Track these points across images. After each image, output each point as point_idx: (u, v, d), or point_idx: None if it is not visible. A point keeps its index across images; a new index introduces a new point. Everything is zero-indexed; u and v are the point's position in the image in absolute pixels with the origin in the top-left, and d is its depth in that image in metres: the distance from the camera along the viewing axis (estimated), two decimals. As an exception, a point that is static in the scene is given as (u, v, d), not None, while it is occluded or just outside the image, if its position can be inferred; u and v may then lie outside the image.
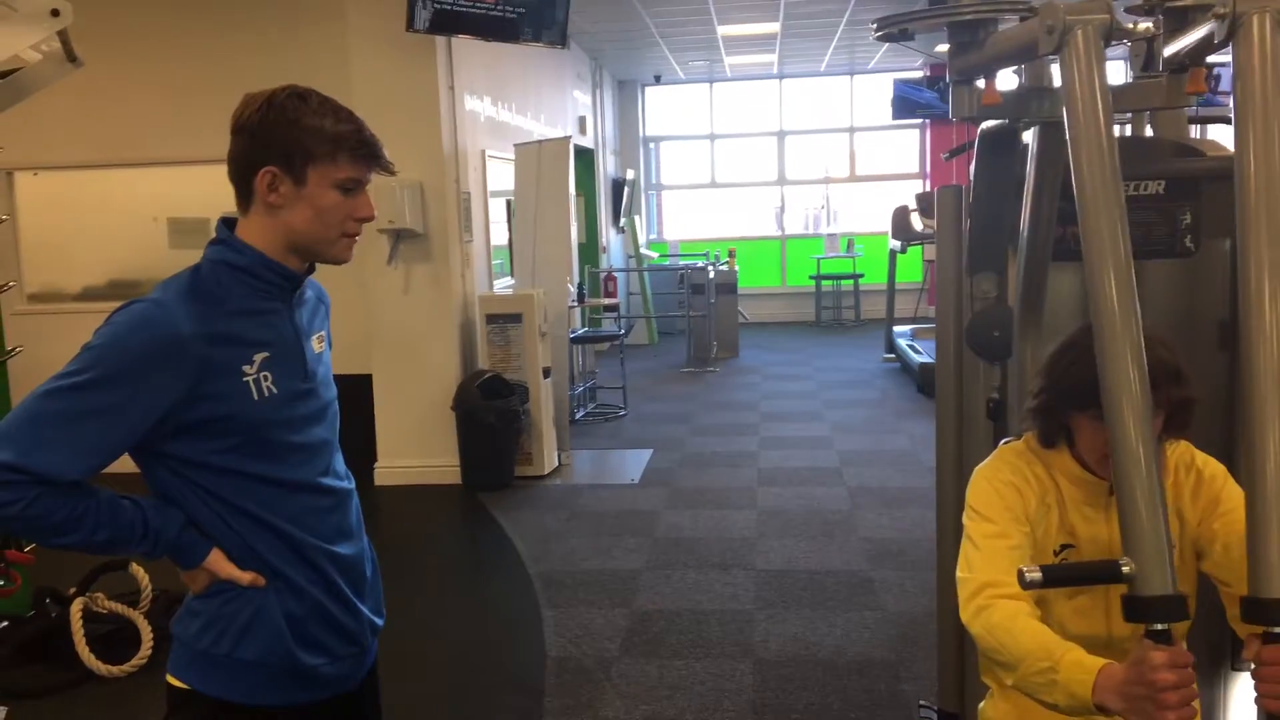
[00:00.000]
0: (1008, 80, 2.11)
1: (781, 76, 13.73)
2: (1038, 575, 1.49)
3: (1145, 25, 2.29)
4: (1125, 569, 1.39)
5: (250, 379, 1.62)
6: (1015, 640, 1.60)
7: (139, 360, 1.53)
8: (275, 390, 1.65)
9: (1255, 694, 1.44)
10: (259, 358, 1.63)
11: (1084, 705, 1.49)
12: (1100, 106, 1.47)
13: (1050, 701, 1.55)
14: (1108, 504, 1.80)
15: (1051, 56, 1.59)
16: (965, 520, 1.84)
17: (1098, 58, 1.46)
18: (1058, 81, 1.96)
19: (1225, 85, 1.59)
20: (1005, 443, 1.97)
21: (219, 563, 1.65)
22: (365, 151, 1.65)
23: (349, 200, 1.66)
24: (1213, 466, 1.86)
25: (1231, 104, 1.49)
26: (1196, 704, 1.39)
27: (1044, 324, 2.24)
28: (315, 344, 1.78)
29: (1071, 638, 1.79)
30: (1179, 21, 1.75)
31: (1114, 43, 1.56)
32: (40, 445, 1.50)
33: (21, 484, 1.49)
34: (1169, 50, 1.75)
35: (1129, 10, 1.87)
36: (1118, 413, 1.40)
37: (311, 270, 1.75)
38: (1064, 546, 1.83)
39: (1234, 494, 1.82)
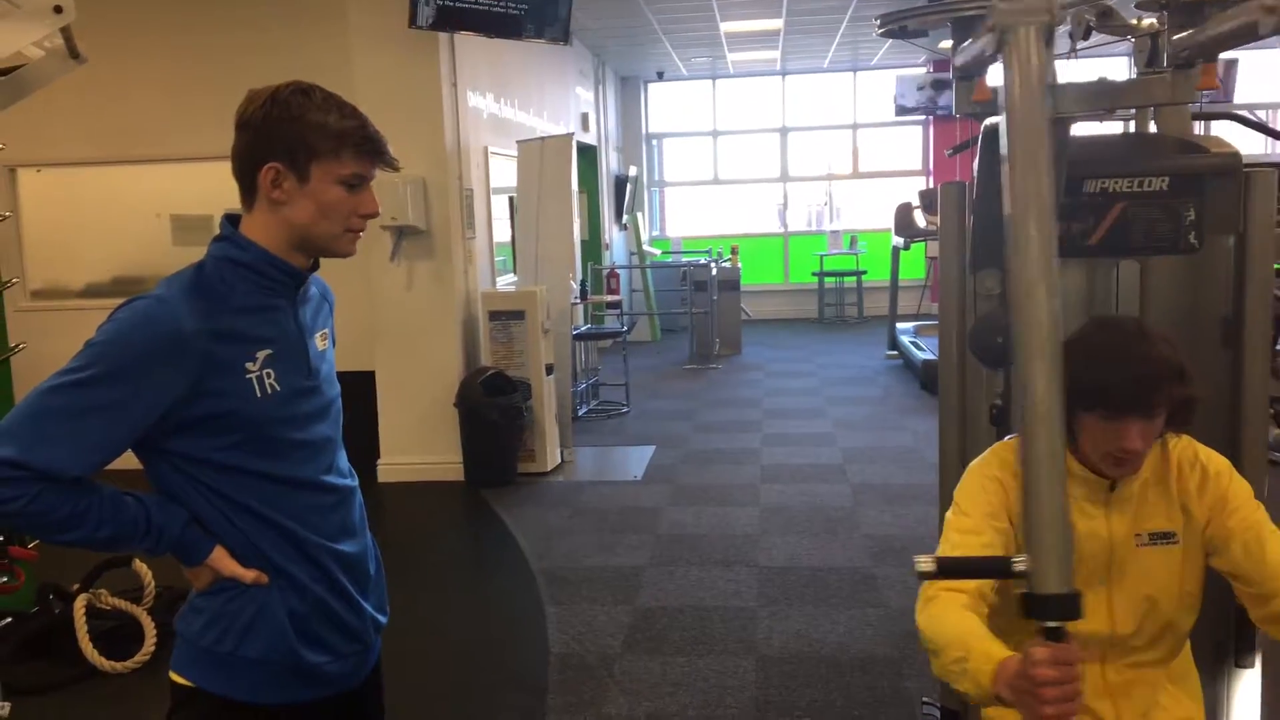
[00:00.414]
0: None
1: (784, 73, 13.71)
2: (931, 567, 1.50)
3: (1149, 21, 2.29)
4: (1018, 566, 1.39)
5: (253, 376, 1.62)
6: (941, 630, 1.62)
7: (142, 357, 1.53)
8: (278, 387, 1.65)
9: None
10: (262, 355, 1.63)
11: (988, 695, 1.49)
12: (1037, 107, 1.41)
13: (961, 690, 1.55)
14: (1108, 500, 1.80)
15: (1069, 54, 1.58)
16: (948, 513, 1.85)
17: (1039, 57, 1.40)
18: (1063, 76, 1.96)
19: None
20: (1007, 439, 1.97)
21: (222, 560, 1.65)
22: (369, 147, 1.65)
23: (353, 196, 1.66)
24: (1217, 462, 1.86)
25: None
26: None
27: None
28: (319, 341, 1.77)
29: (1074, 634, 1.79)
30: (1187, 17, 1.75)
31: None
32: (43, 441, 1.49)
33: (24, 480, 1.49)
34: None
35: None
36: (1028, 414, 1.37)
37: (315, 267, 1.75)
38: None
39: (1241, 490, 1.82)
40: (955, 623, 1.61)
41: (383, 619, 1.87)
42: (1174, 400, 1.71)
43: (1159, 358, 1.69)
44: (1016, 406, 1.54)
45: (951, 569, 1.52)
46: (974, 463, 1.93)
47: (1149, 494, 1.81)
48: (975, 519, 1.79)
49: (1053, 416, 1.37)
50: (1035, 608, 1.37)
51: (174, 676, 1.71)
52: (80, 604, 4.02)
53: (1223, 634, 2.47)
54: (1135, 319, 1.83)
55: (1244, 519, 1.77)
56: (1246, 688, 2.50)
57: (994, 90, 2.08)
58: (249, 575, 1.66)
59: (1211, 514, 1.81)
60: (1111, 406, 1.70)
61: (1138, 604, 1.80)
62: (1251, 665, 2.48)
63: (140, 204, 7.24)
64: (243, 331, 1.62)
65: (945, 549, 1.78)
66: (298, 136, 1.60)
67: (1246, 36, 1.77)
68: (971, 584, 1.70)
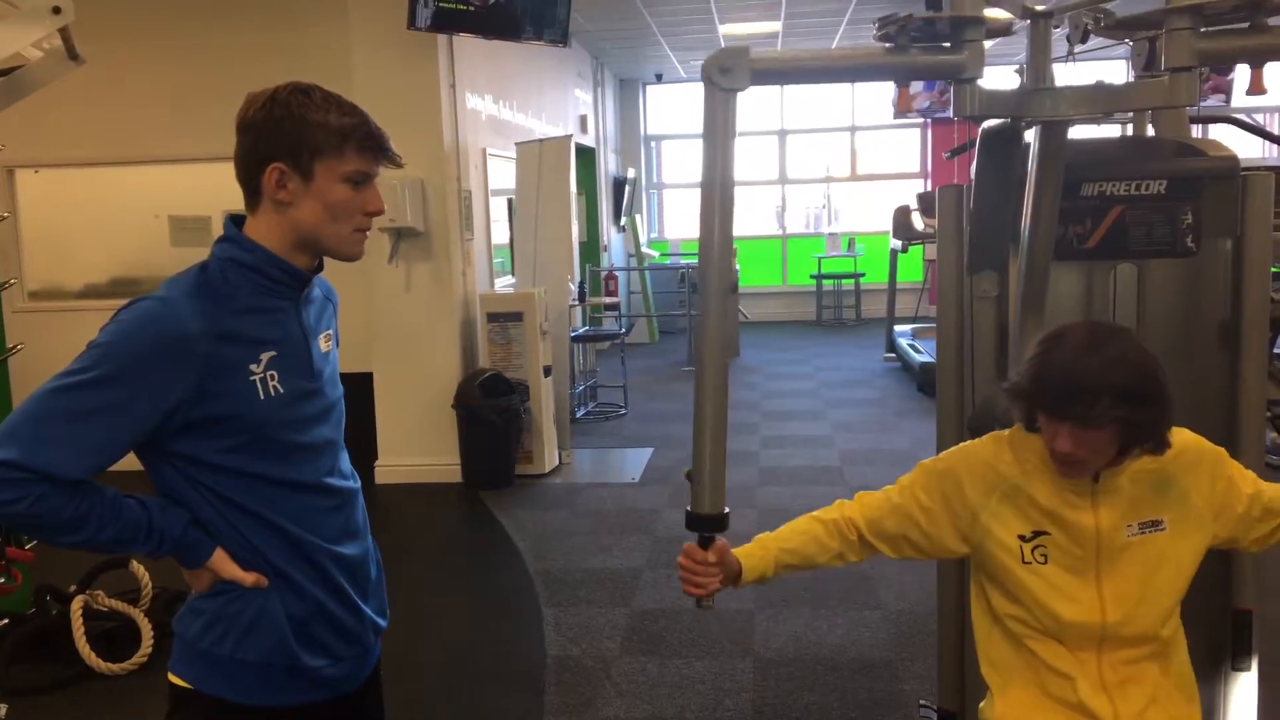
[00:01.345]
0: (1009, 80, 2.11)
1: (783, 75, 13.68)
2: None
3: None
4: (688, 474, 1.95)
5: (257, 378, 1.62)
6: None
7: (145, 358, 1.53)
8: (281, 389, 1.65)
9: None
10: (266, 357, 1.63)
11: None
12: (728, 143, 1.97)
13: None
14: (1094, 491, 1.81)
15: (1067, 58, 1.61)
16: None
17: (727, 102, 1.92)
18: (1061, 80, 1.97)
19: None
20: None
21: (222, 563, 1.65)
22: (372, 143, 1.65)
23: (358, 194, 1.66)
24: (1213, 449, 1.90)
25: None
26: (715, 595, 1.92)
27: (1045, 324, 2.24)
28: (322, 343, 1.77)
29: (1065, 625, 1.81)
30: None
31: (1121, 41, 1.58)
32: (45, 443, 1.49)
33: (26, 482, 1.48)
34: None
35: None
36: (700, 357, 1.94)
37: (320, 268, 1.75)
38: (1036, 533, 1.84)
39: (1245, 472, 1.89)
40: (791, 523, 2.04)
41: (383, 622, 1.87)
42: (1122, 421, 1.68)
43: (1099, 372, 1.68)
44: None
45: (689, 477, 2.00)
46: (959, 445, 2.00)
47: (1139, 484, 1.82)
48: (907, 490, 1.97)
49: (717, 357, 1.93)
50: (691, 522, 1.91)
51: (172, 678, 1.71)
52: (77, 605, 4.01)
53: (1220, 637, 2.48)
54: (1121, 329, 1.83)
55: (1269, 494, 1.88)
56: (1243, 691, 2.50)
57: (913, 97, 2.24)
58: (249, 578, 1.66)
59: (1223, 501, 1.85)
60: (1046, 407, 1.73)
61: (1129, 593, 1.81)
62: (1248, 669, 2.49)
63: (138, 205, 7.24)
64: (247, 333, 1.62)
65: (870, 493, 2.05)
66: (300, 135, 1.60)
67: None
68: (852, 510, 2.02)
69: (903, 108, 2.08)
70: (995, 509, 1.87)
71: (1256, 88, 1.93)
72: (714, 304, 2.02)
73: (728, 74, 1.86)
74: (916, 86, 12.38)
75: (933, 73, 1.95)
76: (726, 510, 1.94)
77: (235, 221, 1.69)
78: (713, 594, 1.91)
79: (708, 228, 1.98)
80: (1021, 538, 1.85)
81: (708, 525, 1.92)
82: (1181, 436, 1.87)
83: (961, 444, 2.01)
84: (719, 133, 1.92)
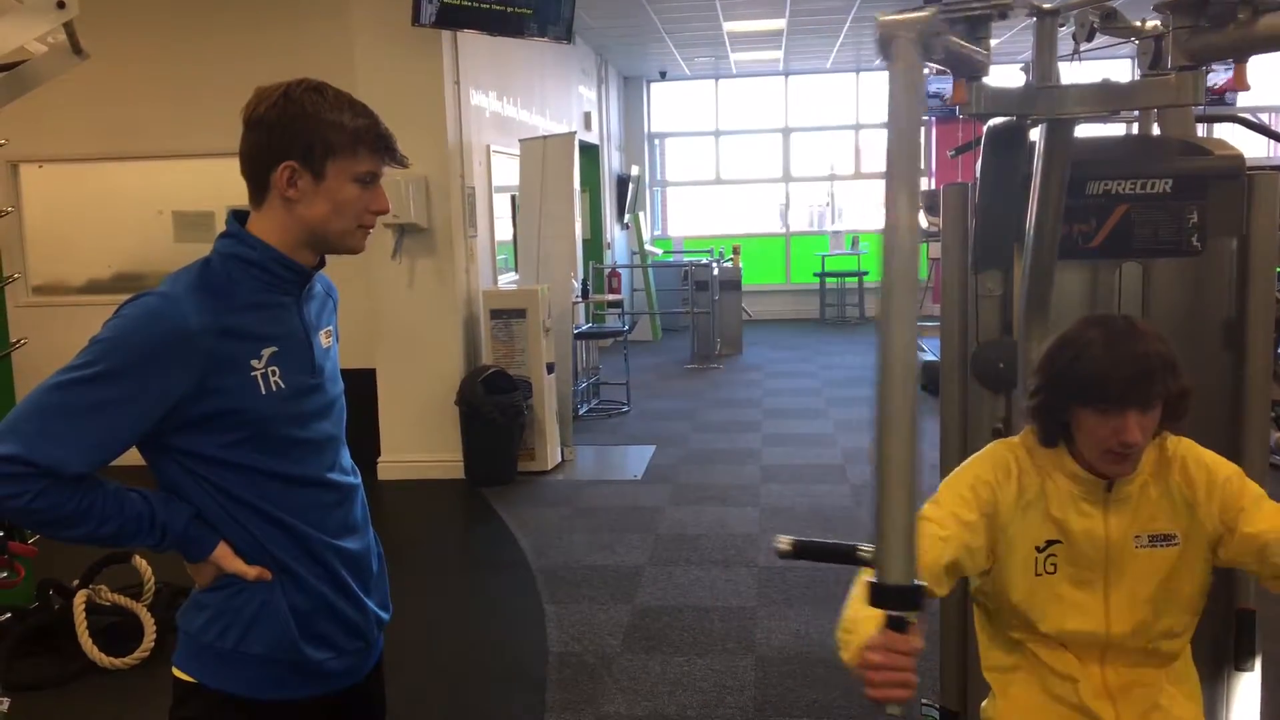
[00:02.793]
0: (1014, 78, 2.10)
1: (787, 73, 13.70)
2: (788, 547, 1.56)
3: (1153, 23, 2.29)
4: (863, 553, 1.44)
5: (258, 373, 1.62)
6: (849, 603, 1.64)
7: (147, 353, 1.53)
8: (283, 385, 1.65)
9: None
10: (267, 352, 1.63)
11: (853, 668, 1.51)
12: (909, 114, 1.43)
13: (845, 660, 1.58)
14: (1106, 500, 1.80)
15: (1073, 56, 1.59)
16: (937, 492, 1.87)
17: (913, 69, 1.42)
18: (1067, 78, 1.96)
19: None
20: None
21: (226, 557, 1.65)
22: (383, 145, 1.66)
23: (366, 193, 1.67)
24: (1226, 467, 1.85)
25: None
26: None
27: (1050, 322, 2.23)
28: (323, 339, 1.78)
29: (1069, 635, 1.80)
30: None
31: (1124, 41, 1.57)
32: (47, 438, 1.49)
33: (29, 476, 1.49)
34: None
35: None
36: (885, 402, 1.39)
37: (322, 264, 1.75)
38: (1050, 542, 1.83)
39: (1254, 490, 1.83)
40: (857, 598, 1.62)
41: (385, 616, 1.88)
42: (1169, 393, 1.71)
43: (1153, 350, 1.71)
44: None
45: (806, 550, 1.56)
46: (975, 455, 1.96)
47: (1149, 495, 1.81)
48: (947, 510, 1.83)
49: (905, 382, 1.39)
50: (878, 597, 1.40)
51: (176, 672, 1.71)
52: (80, 600, 4.02)
53: (1222, 637, 2.47)
54: (1125, 316, 1.84)
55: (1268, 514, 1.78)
56: (1246, 691, 2.50)
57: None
58: (252, 572, 1.66)
59: (1223, 519, 1.81)
60: (1109, 399, 1.71)
61: (1136, 606, 1.80)
62: (1251, 669, 2.48)
63: (142, 200, 7.24)
64: (248, 329, 1.62)
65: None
66: (314, 134, 1.61)
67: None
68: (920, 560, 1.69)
69: (958, 99, 2.05)
70: (1020, 519, 1.85)
71: (1239, 84, 1.92)
72: (901, 317, 1.43)
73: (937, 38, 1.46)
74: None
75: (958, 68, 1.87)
76: (921, 583, 1.41)
77: (238, 217, 1.69)
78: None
79: (894, 217, 1.50)
80: (1037, 548, 1.84)
81: (903, 601, 1.40)
82: (1198, 451, 1.86)
83: (978, 454, 1.96)
84: (909, 104, 1.44)
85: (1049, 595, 1.82)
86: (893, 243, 1.44)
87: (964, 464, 1.95)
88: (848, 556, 1.47)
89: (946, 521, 1.81)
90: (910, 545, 1.38)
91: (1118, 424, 1.71)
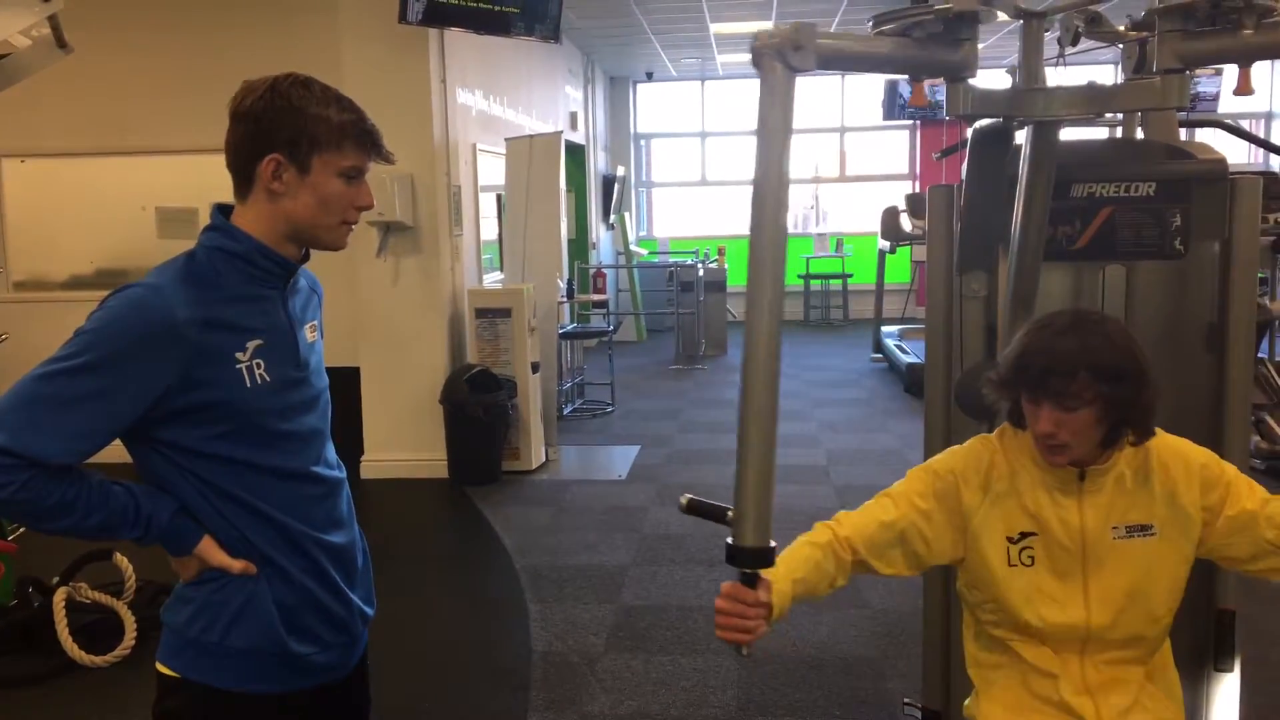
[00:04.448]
0: (1001, 80, 2.12)
1: (773, 75, 13.69)
2: (684, 503, 1.77)
3: (1134, 31, 2.30)
4: (729, 515, 1.65)
5: (243, 366, 1.62)
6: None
7: (132, 344, 1.53)
8: (267, 378, 1.65)
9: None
10: (252, 345, 1.63)
11: None
12: (782, 127, 1.66)
13: None
14: (1080, 490, 1.82)
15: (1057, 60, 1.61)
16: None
17: (778, 80, 1.62)
18: (1052, 81, 1.98)
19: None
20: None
21: (210, 550, 1.65)
22: (368, 140, 1.67)
23: (350, 189, 1.67)
24: (1202, 454, 1.88)
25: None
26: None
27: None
28: (308, 333, 1.78)
29: (1049, 627, 1.81)
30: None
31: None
32: (32, 429, 1.49)
33: (13, 467, 1.48)
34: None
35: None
36: (746, 388, 1.64)
37: (306, 259, 1.75)
38: (1024, 534, 1.85)
39: (1238, 475, 1.87)
40: (786, 555, 1.82)
41: (370, 611, 1.88)
42: (1103, 399, 1.69)
43: (1077, 350, 1.69)
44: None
45: (695, 508, 1.74)
46: (952, 448, 1.99)
47: (1125, 486, 1.82)
48: (903, 495, 1.91)
49: (766, 371, 1.67)
50: (731, 555, 1.65)
51: (160, 667, 1.70)
52: (60, 597, 3.99)
53: (1202, 637, 2.49)
54: (1101, 315, 1.84)
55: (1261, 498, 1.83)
56: (1226, 691, 2.52)
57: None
58: (237, 565, 1.66)
59: (1205, 503, 1.83)
60: (1027, 387, 1.74)
61: (1116, 597, 1.81)
62: (1231, 669, 2.50)
63: (126, 196, 7.19)
64: (233, 321, 1.62)
65: (868, 502, 1.93)
66: (301, 128, 1.61)
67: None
68: (846, 529, 1.88)
69: (916, 103, 2.08)
70: (987, 511, 1.87)
71: (1244, 88, 1.94)
72: (765, 314, 1.75)
73: (800, 51, 1.61)
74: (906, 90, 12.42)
75: (938, 70, 1.90)
76: (774, 544, 1.67)
77: (223, 210, 1.69)
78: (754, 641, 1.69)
79: (760, 226, 1.76)
80: (1009, 539, 1.86)
81: (754, 560, 1.66)
82: (1172, 441, 1.88)
83: (952, 447, 2.00)
84: (781, 118, 1.65)
85: (1028, 587, 1.83)
86: (759, 239, 1.78)
87: (945, 452, 1.99)
88: (720, 518, 1.68)
89: (900, 501, 1.90)
90: (761, 513, 1.63)
91: (1033, 412, 1.75)
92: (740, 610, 1.66)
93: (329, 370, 1.87)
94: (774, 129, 1.65)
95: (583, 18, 9.64)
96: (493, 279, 7.68)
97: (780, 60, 1.60)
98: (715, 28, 10.46)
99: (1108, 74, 11.69)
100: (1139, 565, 1.82)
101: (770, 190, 1.74)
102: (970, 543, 1.88)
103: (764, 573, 1.69)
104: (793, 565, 1.81)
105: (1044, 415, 1.72)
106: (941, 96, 1.97)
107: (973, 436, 2.00)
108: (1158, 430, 1.85)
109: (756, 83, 1.68)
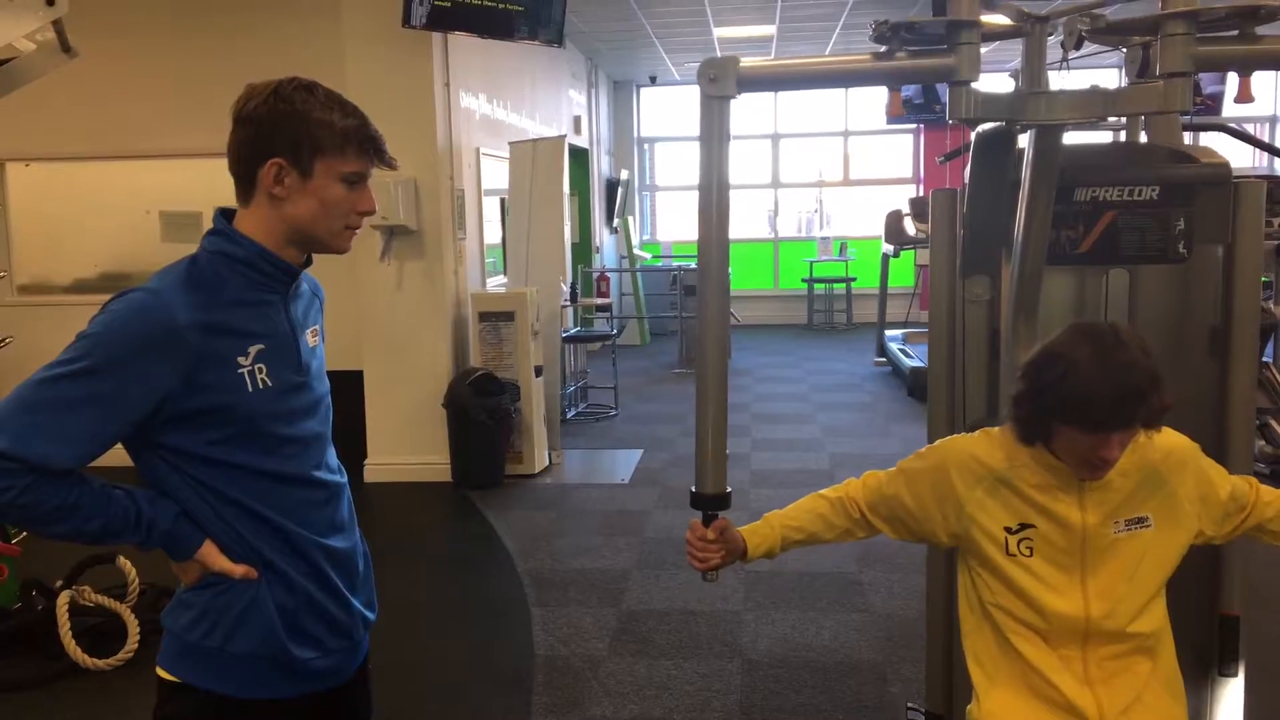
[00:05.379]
0: (1004, 84, 2.12)
1: (777, 79, 13.69)
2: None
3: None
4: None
5: (245, 370, 1.62)
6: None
7: (135, 349, 1.53)
8: (269, 382, 1.65)
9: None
10: (254, 349, 1.63)
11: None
12: (721, 147, 2.01)
13: None
14: (1081, 488, 1.82)
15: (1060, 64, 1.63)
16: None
17: (715, 104, 1.96)
18: (1054, 85, 1.97)
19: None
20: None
21: (211, 555, 1.64)
22: (371, 146, 1.67)
23: (352, 193, 1.67)
24: (1185, 442, 1.93)
25: None
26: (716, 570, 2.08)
27: (1037, 328, 2.25)
28: (310, 338, 1.78)
29: (1050, 616, 1.82)
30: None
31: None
32: (34, 433, 1.49)
33: (15, 471, 1.48)
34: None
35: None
36: (702, 343, 2.11)
37: (308, 263, 1.75)
38: (1023, 525, 1.86)
39: (1217, 467, 1.95)
40: (797, 503, 2.08)
41: (371, 616, 1.87)
42: (1151, 410, 1.73)
43: (1140, 368, 1.70)
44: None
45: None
46: (954, 438, 2.02)
47: (1125, 481, 1.83)
48: (901, 478, 2.00)
49: (718, 349, 2.10)
50: (694, 500, 2.08)
51: (161, 672, 1.70)
52: (63, 600, 3.99)
53: (1207, 642, 2.49)
54: (1112, 324, 1.83)
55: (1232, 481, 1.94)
56: (1229, 696, 2.51)
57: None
58: (238, 570, 1.66)
59: (1205, 495, 1.89)
60: (1093, 422, 1.72)
61: (1114, 588, 1.83)
62: (1235, 674, 2.50)
63: (130, 200, 7.20)
64: (235, 326, 1.62)
65: (871, 475, 2.06)
66: (303, 133, 1.61)
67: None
68: (855, 491, 2.04)
69: (895, 113, 2.10)
70: (981, 500, 1.89)
71: (1244, 96, 1.94)
72: (713, 301, 2.10)
73: (715, 82, 1.93)
74: (907, 91, 12.42)
75: (924, 76, 1.96)
76: (729, 490, 2.08)
77: (225, 215, 1.69)
78: (716, 568, 2.05)
79: (706, 227, 2.04)
80: (1008, 529, 1.87)
81: (710, 504, 2.06)
82: (1167, 434, 1.89)
83: (951, 436, 2.04)
84: (713, 138, 1.99)
85: (1026, 577, 1.85)
86: (707, 239, 2.06)
87: (945, 441, 2.02)
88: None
89: (897, 482, 2.00)
90: (717, 465, 2.07)
91: (1099, 441, 1.73)
92: (700, 544, 2.05)
93: (331, 374, 1.87)
94: (710, 142, 2.01)
95: (586, 22, 9.65)
96: (496, 282, 7.68)
97: (709, 86, 1.93)
98: (719, 32, 10.46)
99: (1111, 78, 11.69)
100: (1134, 556, 1.84)
101: (713, 190, 2.05)
102: (964, 529, 1.91)
103: (765, 517, 2.06)
104: (792, 512, 2.06)
105: (1114, 441, 1.73)
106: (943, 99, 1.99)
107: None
108: None
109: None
